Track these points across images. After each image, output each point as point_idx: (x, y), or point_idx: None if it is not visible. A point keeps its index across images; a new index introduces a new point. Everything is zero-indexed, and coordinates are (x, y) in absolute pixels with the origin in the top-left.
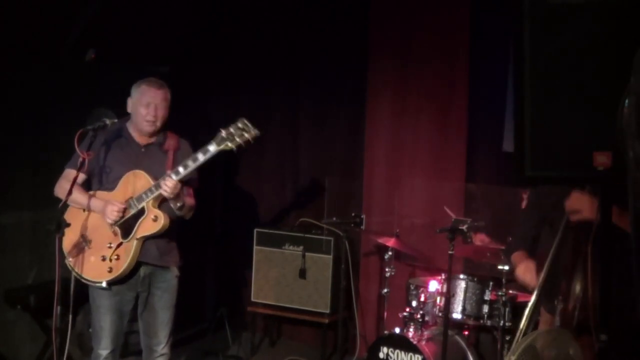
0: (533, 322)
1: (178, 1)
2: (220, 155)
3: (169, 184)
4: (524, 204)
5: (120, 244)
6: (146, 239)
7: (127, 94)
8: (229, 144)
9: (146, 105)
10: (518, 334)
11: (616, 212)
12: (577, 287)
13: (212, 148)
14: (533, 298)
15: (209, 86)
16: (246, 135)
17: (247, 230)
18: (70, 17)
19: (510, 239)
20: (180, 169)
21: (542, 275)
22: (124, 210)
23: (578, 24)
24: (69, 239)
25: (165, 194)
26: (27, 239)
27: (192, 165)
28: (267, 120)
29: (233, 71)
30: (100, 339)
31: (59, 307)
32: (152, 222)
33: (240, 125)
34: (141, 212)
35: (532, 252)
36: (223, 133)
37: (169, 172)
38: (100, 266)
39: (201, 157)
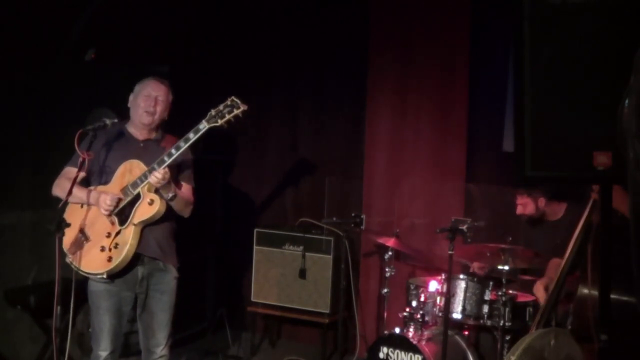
0: (542, 323)
1: (178, 1)
2: (220, 154)
3: (155, 174)
4: (518, 210)
5: (118, 232)
6: (145, 227)
7: (127, 93)
8: (219, 121)
9: (147, 96)
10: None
11: (618, 195)
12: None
13: (202, 126)
14: (545, 301)
15: (208, 86)
16: (235, 111)
17: (247, 230)
18: (70, 17)
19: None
20: (173, 150)
21: (556, 280)
22: (119, 200)
23: (578, 23)
24: (68, 236)
25: (154, 183)
26: (27, 239)
27: (183, 145)
28: (267, 120)
29: (233, 71)
30: (100, 340)
31: (59, 307)
32: (148, 206)
33: (229, 102)
34: (137, 198)
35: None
36: (213, 111)
37: (156, 160)
38: (100, 257)
39: (192, 136)
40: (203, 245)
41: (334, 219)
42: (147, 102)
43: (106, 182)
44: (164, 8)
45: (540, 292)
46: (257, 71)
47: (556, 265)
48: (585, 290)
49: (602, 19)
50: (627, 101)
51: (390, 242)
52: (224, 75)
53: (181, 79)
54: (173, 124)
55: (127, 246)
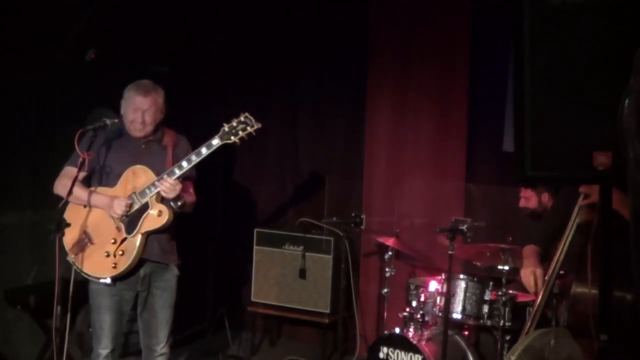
0: (535, 323)
1: (178, 1)
2: (220, 154)
3: (166, 185)
4: (521, 203)
5: (124, 240)
6: (149, 235)
7: None
8: (232, 138)
9: (134, 111)
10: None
11: (617, 199)
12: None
13: (216, 142)
14: (539, 300)
15: (208, 86)
16: (249, 129)
17: (247, 230)
18: (70, 17)
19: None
20: (184, 163)
21: (549, 277)
22: (131, 205)
23: (578, 23)
24: (71, 236)
25: (164, 194)
26: (27, 239)
27: (195, 159)
28: (267, 120)
29: (233, 71)
30: (101, 338)
31: (59, 307)
32: (157, 217)
33: (242, 119)
34: (145, 207)
35: (547, 252)
36: (226, 127)
37: (167, 171)
38: (104, 262)
39: (204, 151)
40: (203, 245)
41: (334, 219)
42: (135, 116)
43: (107, 183)
44: (164, 8)
45: (528, 278)
46: (257, 71)
47: (532, 250)
48: (580, 289)
49: (602, 19)
50: (627, 101)
51: (390, 242)
52: (224, 75)
53: (181, 79)
54: (173, 124)
55: (133, 255)
